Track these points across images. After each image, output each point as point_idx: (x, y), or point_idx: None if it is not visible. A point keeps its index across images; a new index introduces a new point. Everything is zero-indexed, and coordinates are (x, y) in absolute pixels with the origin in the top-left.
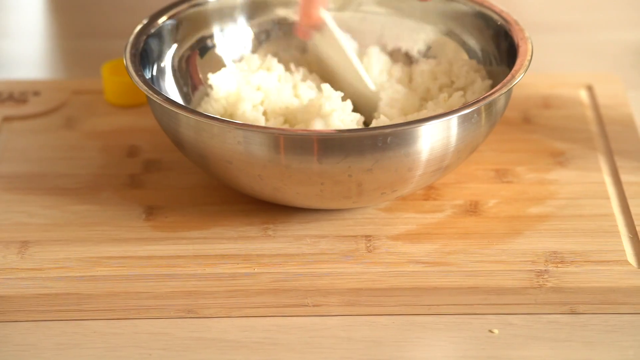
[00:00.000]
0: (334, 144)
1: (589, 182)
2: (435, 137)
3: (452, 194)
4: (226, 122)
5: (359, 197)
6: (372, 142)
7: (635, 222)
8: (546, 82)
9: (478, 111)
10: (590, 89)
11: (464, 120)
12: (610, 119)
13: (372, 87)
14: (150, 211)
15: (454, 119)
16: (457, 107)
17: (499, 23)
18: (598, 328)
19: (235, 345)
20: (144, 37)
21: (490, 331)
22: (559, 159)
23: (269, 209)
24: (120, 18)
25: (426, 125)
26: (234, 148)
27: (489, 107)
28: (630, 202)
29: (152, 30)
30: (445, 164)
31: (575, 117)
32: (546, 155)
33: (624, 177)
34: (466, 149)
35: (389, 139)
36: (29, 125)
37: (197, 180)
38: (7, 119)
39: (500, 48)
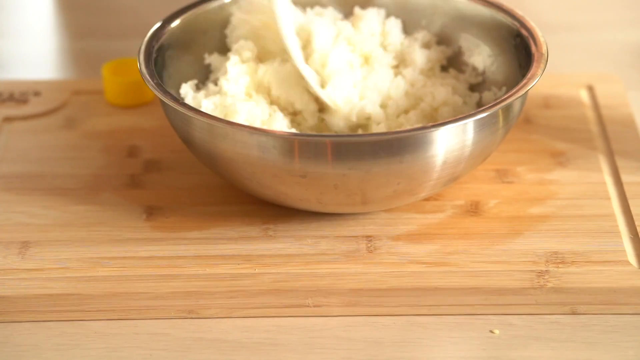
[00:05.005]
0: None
1: (589, 183)
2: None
3: (452, 194)
4: (271, 133)
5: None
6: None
7: (636, 223)
8: (546, 82)
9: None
10: (590, 89)
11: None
12: (610, 119)
13: (316, 89)
14: (151, 211)
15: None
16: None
17: (511, 24)
18: (599, 328)
19: (236, 346)
20: (156, 41)
21: (491, 331)
22: (560, 159)
23: (269, 210)
24: (121, 18)
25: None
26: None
27: (506, 110)
28: (631, 203)
29: (164, 34)
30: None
31: (575, 117)
32: (547, 155)
33: (624, 178)
34: (486, 150)
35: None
36: (29, 125)
37: (197, 180)
38: (8, 119)
39: (513, 49)
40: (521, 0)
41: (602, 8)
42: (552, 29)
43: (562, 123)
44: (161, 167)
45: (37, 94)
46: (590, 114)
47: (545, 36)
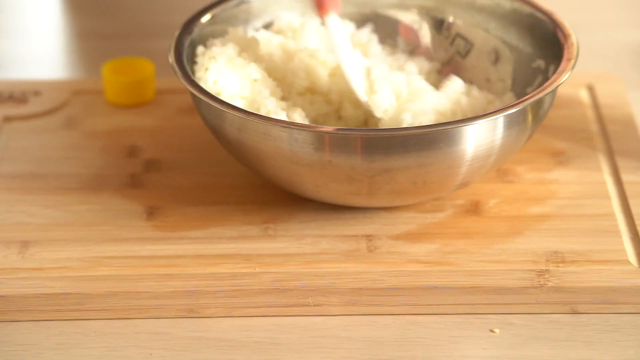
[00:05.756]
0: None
1: (589, 182)
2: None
3: (452, 193)
4: (317, 130)
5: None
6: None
7: (636, 222)
8: None
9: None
10: (590, 88)
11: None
12: (610, 118)
13: (362, 97)
14: (151, 211)
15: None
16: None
17: (539, 18)
18: (599, 328)
19: (236, 345)
20: (187, 37)
21: (491, 331)
22: (560, 158)
23: (269, 209)
24: (121, 18)
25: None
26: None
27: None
28: (631, 202)
29: (194, 31)
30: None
31: (575, 116)
32: (547, 154)
33: (624, 177)
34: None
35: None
36: (29, 125)
37: (197, 180)
38: (8, 118)
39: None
40: None
41: (602, 8)
42: None
43: (562, 123)
44: (161, 167)
45: (37, 94)
46: (590, 113)
47: None
